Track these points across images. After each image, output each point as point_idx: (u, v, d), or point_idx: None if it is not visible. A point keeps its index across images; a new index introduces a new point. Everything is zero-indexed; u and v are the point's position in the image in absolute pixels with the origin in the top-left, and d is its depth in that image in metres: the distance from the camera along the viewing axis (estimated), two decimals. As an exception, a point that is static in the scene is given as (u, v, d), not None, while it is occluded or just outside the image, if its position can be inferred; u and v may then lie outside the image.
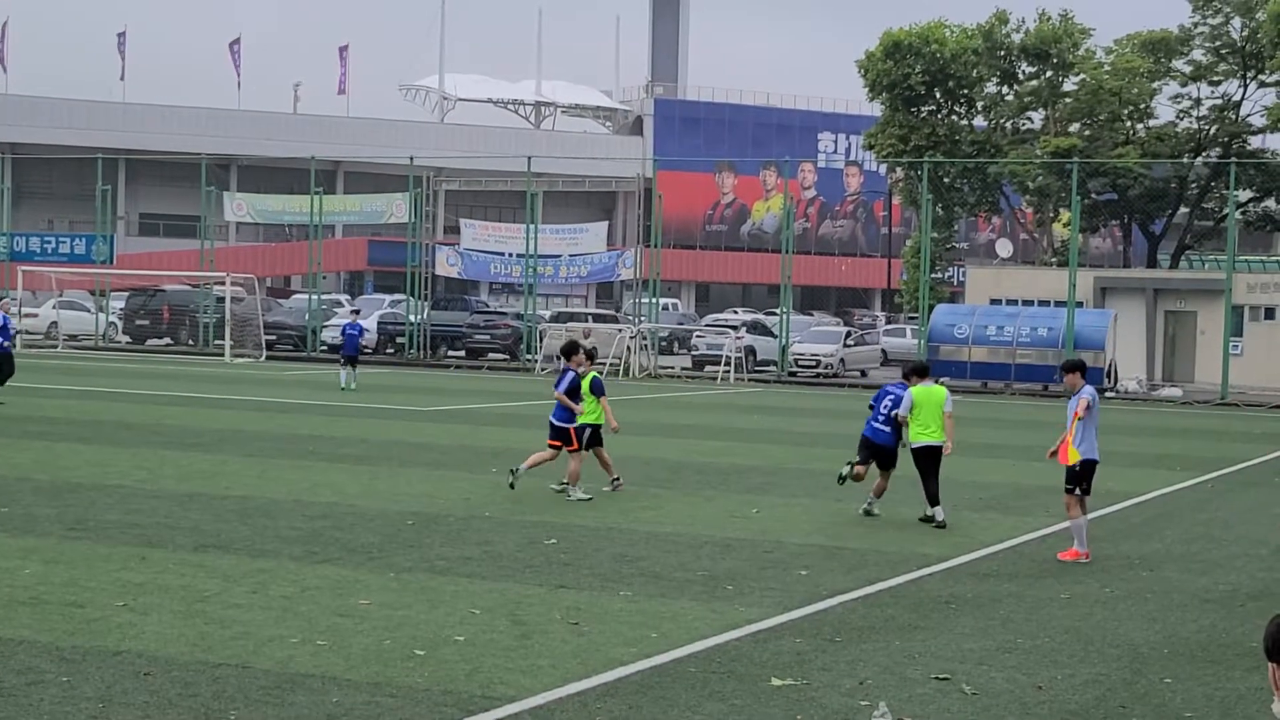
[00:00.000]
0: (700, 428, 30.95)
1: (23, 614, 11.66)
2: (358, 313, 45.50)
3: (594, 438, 19.75)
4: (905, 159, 62.84)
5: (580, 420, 19.46)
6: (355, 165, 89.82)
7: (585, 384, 19.60)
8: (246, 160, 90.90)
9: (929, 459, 17.89)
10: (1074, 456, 16.06)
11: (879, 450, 18.38)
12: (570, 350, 20.32)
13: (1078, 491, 16.03)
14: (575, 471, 19.26)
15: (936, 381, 18.98)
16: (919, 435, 17.92)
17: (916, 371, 18.55)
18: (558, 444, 19.52)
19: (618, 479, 20.01)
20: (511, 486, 19.22)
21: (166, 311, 61.15)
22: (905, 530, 17.68)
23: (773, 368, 53.52)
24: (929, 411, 17.89)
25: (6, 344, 31.31)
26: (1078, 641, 11.90)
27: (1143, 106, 63.58)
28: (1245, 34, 61.32)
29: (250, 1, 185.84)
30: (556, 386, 19.70)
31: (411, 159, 60.61)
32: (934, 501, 17.95)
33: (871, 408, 18.83)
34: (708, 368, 52.43)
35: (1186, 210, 65.77)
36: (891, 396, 18.31)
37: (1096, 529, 18.24)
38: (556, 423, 19.57)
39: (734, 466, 23.73)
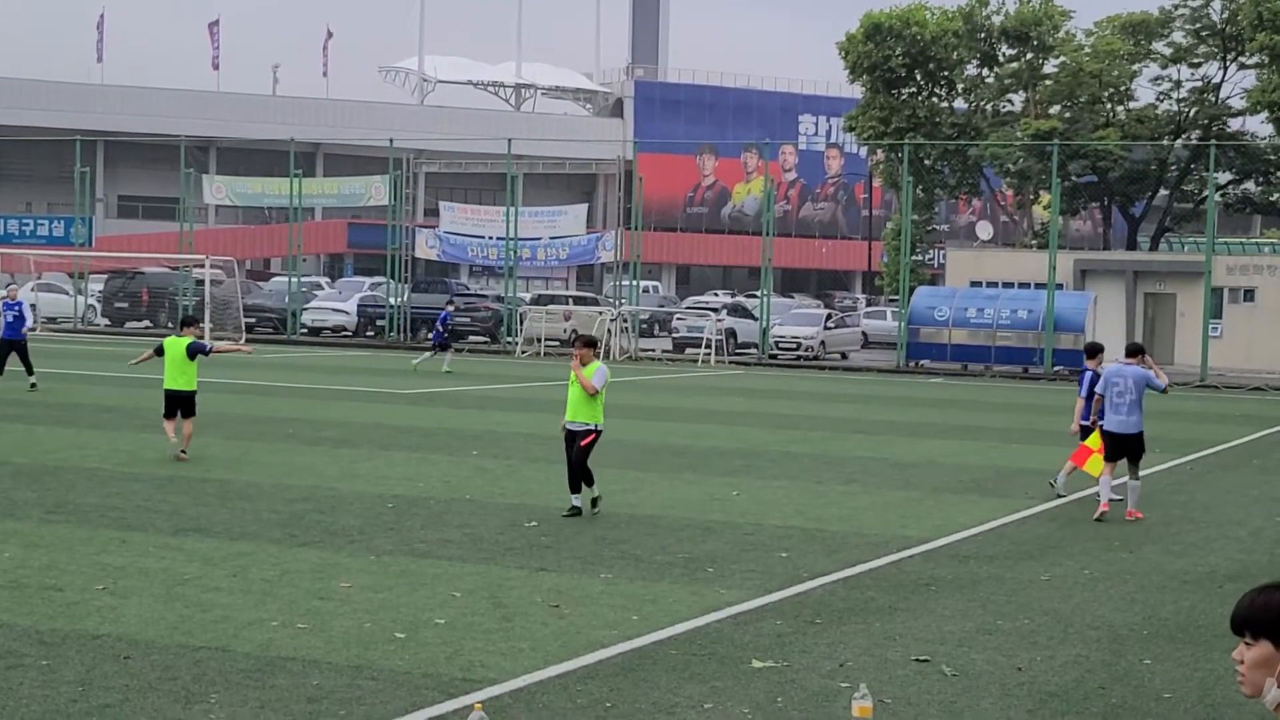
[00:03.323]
0: (680, 410, 30.98)
1: (1, 597, 11.64)
2: (452, 302, 46.34)
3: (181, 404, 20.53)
4: (886, 141, 62.83)
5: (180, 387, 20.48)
6: (335, 148, 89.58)
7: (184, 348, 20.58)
8: (225, 142, 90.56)
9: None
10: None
11: None
12: (187, 322, 22.18)
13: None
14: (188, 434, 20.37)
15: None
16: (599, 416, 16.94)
17: (587, 345, 17.37)
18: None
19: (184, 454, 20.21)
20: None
21: (145, 294, 60.99)
22: (885, 512, 17.72)
23: (753, 350, 53.56)
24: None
25: (19, 334, 30.90)
26: (1057, 623, 11.95)
27: (1123, 89, 63.68)
28: (1225, 16, 61.42)
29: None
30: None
31: (391, 141, 60.48)
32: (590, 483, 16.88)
33: None
34: (688, 350, 52.45)
35: (1166, 193, 65.93)
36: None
37: (1076, 511, 18.34)
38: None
39: (714, 449, 23.76)
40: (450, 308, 44.39)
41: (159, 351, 20.91)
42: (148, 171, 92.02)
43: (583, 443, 16.61)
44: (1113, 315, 53.47)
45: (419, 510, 16.57)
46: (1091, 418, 18.86)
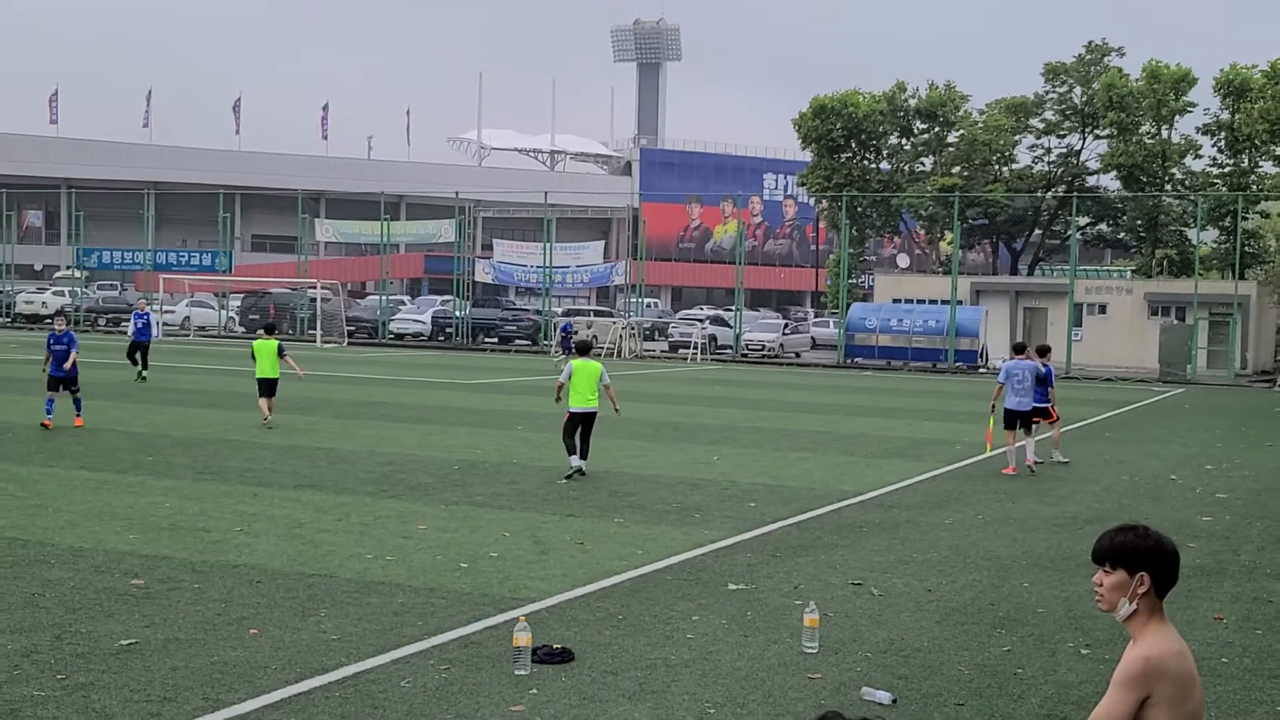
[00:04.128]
0: (674, 396, 30.96)
1: (164, 537, 11.65)
2: (569, 315, 46.47)
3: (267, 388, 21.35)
4: (829, 193, 62.73)
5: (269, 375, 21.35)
6: (414, 198, 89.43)
7: (274, 347, 21.52)
8: (332, 194, 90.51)
9: (587, 421, 16.28)
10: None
11: None
12: (271, 329, 22.75)
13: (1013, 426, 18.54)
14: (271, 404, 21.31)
15: (596, 358, 17.23)
16: (580, 402, 16.25)
17: (579, 349, 16.91)
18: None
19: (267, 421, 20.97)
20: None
21: (272, 309, 60.90)
22: (829, 472, 17.70)
23: (729, 351, 53.49)
24: (587, 382, 16.32)
25: (148, 337, 30.91)
26: (958, 555, 11.93)
27: (1007, 154, 63.58)
28: (1084, 99, 61.35)
29: (335, 71, 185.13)
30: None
31: (457, 194, 60.48)
32: (585, 456, 16.20)
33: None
34: (680, 350, 52.41)
35: (1040, 232, 65.85)
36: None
37: (974, 471, 18.33)
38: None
39: (700, 425, 23.75)
40: (568, 319, 44.14)
41: (254, 355, 21.73)
42: (274, 216, 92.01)
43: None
44: (1000, 324, 53.37)
45: (477, 471, 16.56)
46: (993, 403, 18.92)
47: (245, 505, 13.41)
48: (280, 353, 21.56)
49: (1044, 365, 19.31)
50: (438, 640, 8.47)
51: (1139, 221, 61.04)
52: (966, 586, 10.64)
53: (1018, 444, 18.39)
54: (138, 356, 30.13)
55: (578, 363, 16.56)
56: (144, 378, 29.45)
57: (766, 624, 9.17)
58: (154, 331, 31.27)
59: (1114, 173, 60.06)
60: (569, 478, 15.95)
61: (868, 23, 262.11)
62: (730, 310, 59.70)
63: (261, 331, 22.72)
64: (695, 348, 50.50)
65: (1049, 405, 19.29)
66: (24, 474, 15.15)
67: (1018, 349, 19.32)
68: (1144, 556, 3.92)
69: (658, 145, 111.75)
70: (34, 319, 61.33)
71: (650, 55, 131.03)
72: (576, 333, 43.73)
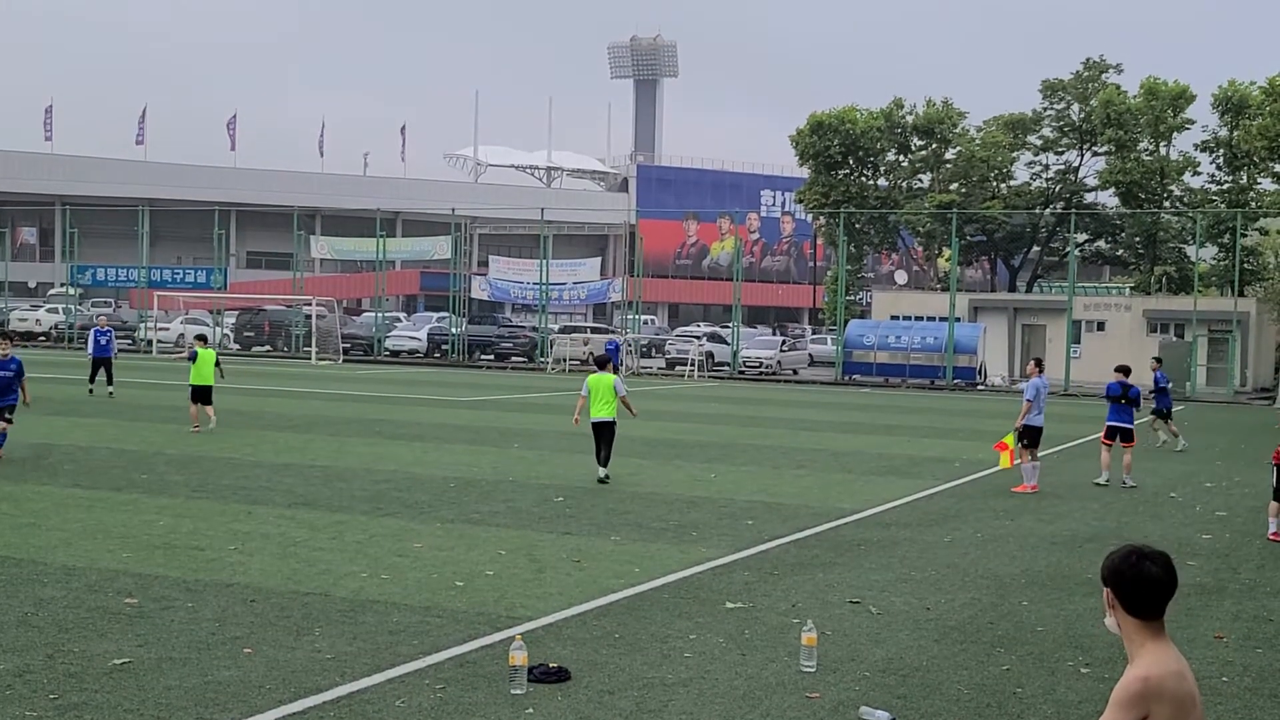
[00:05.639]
0: (671, 413, 30.93)
1: (158, 555, 11.63)
2: (617, 331, 46.35)
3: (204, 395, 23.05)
4: (826, 210, 62.85)
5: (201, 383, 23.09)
6: (410, 215, 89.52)
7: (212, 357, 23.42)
8: (328, 211, 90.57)
9: (605, 430, 17.50)
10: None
11: None
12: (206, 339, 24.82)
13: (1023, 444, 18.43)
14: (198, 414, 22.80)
15: (608, 371, 18.13)
16: (596, 412, 17.51)
17: (597, 363, 18.44)
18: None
19: (198, 428, 22.58)
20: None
21: (267, 325, 60.95)
22: (827, 490, 17.69)
23: (726, 367, 53.50)
24: (602, 394, 17.53)
25: (110, 351, 30.85)
26: (957, 574, 11.92)
27: (1005, 170, 63.73)
28: (1082, 116, 61.54)
29: (329, 91, 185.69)
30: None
31: (453, 210, 60.53)
32: (605, 463, 17.50)
33: None
34: (677, 367, 52.39)
35: (1038, 249, 65.97)
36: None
37: (972, 489, 18.31)
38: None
39: (697, 442, 23.73)
40: (618, 337, 43.99)
41: (192, 358, 23.53)
42: (269, 233, 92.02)
43: None
44: (998, 342, 53.41)
45: (474, 489, 16.55)
46: (1020, 422, 18.60)
47: (239, 523, 13.39)
48: (215, 363, 23.53)
49: (1131, 386, 19.49)
50: (433, 659, 8.45)
51: (1137, 238, 61.17)
52: (965, 605, 10.62)
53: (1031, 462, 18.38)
54: (101, 373, 30.25)
55: (593, 377, 17.78)
56: (108, 393, 29.65)
57: (764, 642, 9.15)
58: (114, 348, 31.34)
59: (1112, 189, 60.22)
60: (601, 481, 17.25)
61: (865, 39, 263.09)
62: (727, 327, 59.72)
63: (197, 340, 24.35)
64: (692, 364, 50.49)
65: (1134, 426, 19.52)
66: (17, 492, 15.13)
67: (1040, 365, 19.54)
68: (1109, 573, 4.00)
69: (654, 162, 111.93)
70: (27, 337, 61.27)
71: (647, 72, 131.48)
72: (619, 349, 43.52)
